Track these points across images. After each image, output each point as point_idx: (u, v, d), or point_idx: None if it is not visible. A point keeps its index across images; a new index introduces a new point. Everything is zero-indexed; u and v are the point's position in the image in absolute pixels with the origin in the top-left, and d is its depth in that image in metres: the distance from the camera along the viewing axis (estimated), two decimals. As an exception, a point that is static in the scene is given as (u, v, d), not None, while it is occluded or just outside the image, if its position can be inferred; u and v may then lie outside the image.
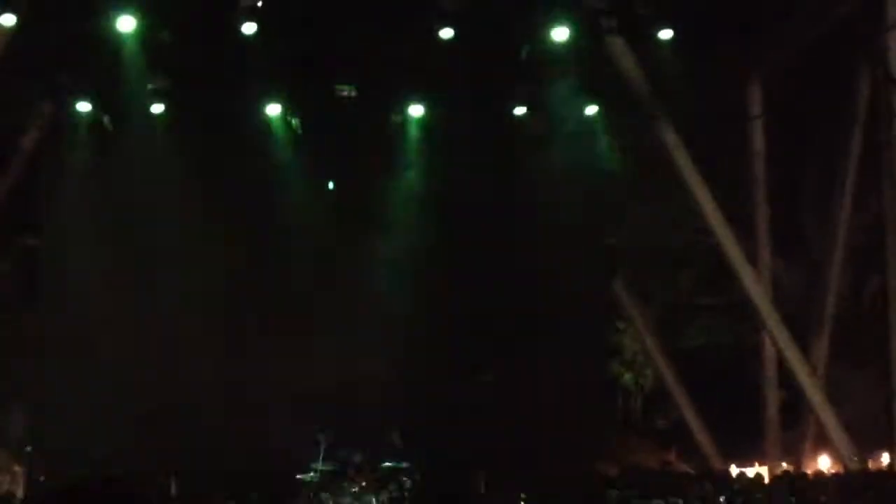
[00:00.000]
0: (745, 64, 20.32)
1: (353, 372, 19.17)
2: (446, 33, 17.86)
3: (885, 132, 17.23)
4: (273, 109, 19.70)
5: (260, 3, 17.35)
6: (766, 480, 18.28)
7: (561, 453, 18.71)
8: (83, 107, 19.34)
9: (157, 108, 19.29)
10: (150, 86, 18.85)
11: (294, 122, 19.86)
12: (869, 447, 18.51)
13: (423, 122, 20.17)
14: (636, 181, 21.22)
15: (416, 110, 19.99)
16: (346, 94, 19.34)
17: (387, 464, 16.85)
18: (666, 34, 18.02)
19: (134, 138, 19.49)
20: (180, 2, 17.57)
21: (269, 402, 18.90)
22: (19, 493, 23.55)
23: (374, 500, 16.20)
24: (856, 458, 17.89)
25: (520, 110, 19.99)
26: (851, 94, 18.42)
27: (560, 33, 18.18)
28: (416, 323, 19.66)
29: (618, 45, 18.52)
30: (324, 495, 16.34)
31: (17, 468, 24.54)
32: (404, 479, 16.65)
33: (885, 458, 19.02)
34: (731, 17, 18.19)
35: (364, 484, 16.46)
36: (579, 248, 20.65)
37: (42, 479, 18.90)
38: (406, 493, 16.46)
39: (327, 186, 20.73)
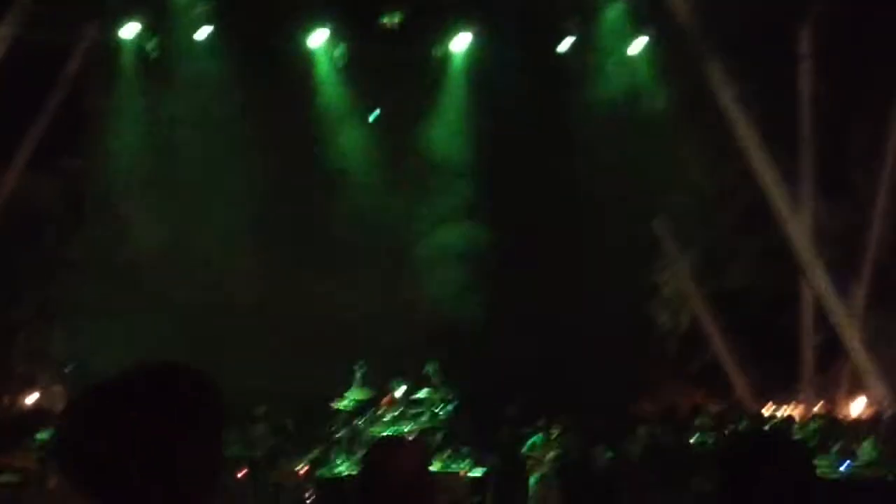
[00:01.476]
0: (797, 5, 20.05)
1: (393, 304, 19.30)
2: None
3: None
4: (317, 39, 19.62)
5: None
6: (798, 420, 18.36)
7: (596, 387, 18.74)
8: (129, 30, 19.32)
9: (203, 34, 19.24)
10: (196, 10, 18.81)
11: (338, 52, 19.78)
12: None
13: (469, 55, 20.07)
14: (681, 119, 21.01)
15: (462, 41, 19.86)
16: (390, 23, 19.20)
17: (421, 394, 16.89)
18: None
19: (179, 63, 19.48)
20: None
21: (309, 331, 19.02)
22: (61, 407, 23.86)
23: (408, 427, 16.29)
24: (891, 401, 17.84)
25: (567, 43, 19.86)
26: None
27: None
28: (458, 258, 19.75)
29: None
30: (359, 423, 16.44)
31: (57, 387, 24.86)
32: (439, 408, 16.76)
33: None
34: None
35: (398, 412, 16.57)
36: (622, 186, 20.55)
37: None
38: (441, 423, 16.56)
39: (369, 119, 20.73)
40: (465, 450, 16.07)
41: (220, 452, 2.58)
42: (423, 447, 3.91)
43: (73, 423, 2.60)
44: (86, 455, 2.52)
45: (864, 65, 19.93)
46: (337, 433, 16.40)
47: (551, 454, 15.89)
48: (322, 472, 15.74)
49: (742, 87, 18.49)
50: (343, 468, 15.79)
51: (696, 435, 16.23)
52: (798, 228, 19.14)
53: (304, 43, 19.62)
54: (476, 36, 19.61)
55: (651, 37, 19.72)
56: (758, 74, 18.79)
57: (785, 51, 20.11)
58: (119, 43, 19.45)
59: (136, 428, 2.51)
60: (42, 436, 16.12)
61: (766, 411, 19.52)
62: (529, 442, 16.10)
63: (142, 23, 19.09)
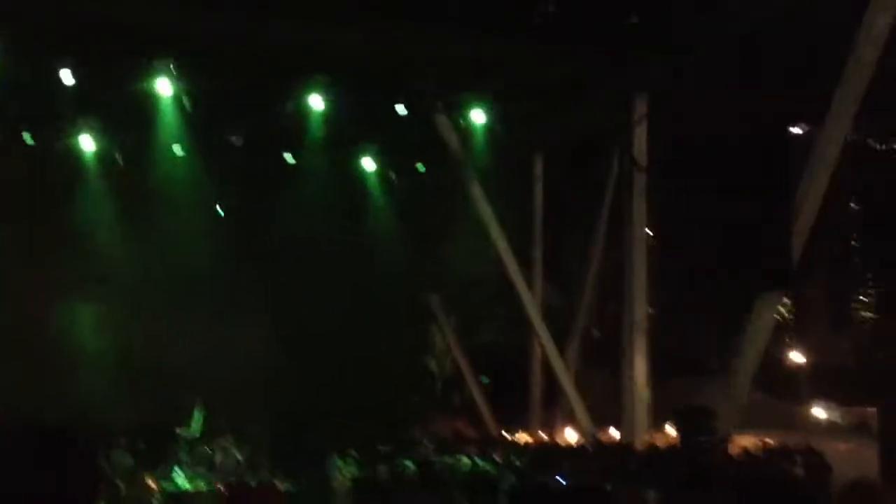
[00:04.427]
0: (532, 143, 20.58)
1: (228, 359, 18.58)
2: (317, 103, 17.51)
3: (626, 200, 17.56)
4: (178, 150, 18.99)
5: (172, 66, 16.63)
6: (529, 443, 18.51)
7: (381, 418, 18.54)
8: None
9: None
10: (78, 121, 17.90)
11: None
12: (602, 425, 18.78)
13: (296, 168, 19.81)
14: (450, 223, 21.24)
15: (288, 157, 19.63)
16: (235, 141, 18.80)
17: (248, 426, 16.37)
18: (478, 117, 18.14)
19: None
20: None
21: (161, 370, 18.17)
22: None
23: (238, 452, 15.72)
24: (593, 432, 18.12)
25: (367, 161, 19.89)
26: (607, 169, 18.74)
27: (400, 108, 18.06)
28: (287, 324, 19.31)
29: (444, 121, 18.47)
30: (199, 447, 15.81)
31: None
32: (263, 436, 16.27)
33: (613, 432, 19.35)
34: (521, 108, 18.36)
35: (231, 439, 16.00)
36: (407, 269, 20.63)
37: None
38: (264, 448, 16.06)
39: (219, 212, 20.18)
40: (280, 469, 15.58)
41: (93, 486, 2.52)
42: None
43: None
44: None
45: (578, 185, 20.58)
46: (180, 454, 15.68)
47: (350, 471, 15.55)
48: (168, 486, 14.97)
49: (493, 200, 18.77)
50: (185, 484, 15.05)
51: (459, 456, 16.06)
52: (531, 302, 19.45)
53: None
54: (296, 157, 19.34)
55: (428, 164, 19.90)
56: (505, 192, 19.15)
57: (524, 174, 20.62)
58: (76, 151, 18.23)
59: (29, 475, 2.33)
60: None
61: (507, 435, 19.62)
62: (334, 461, 15.73)
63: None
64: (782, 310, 20.64)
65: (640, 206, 17.24)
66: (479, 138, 18.34)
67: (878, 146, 21.86)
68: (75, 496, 2.42)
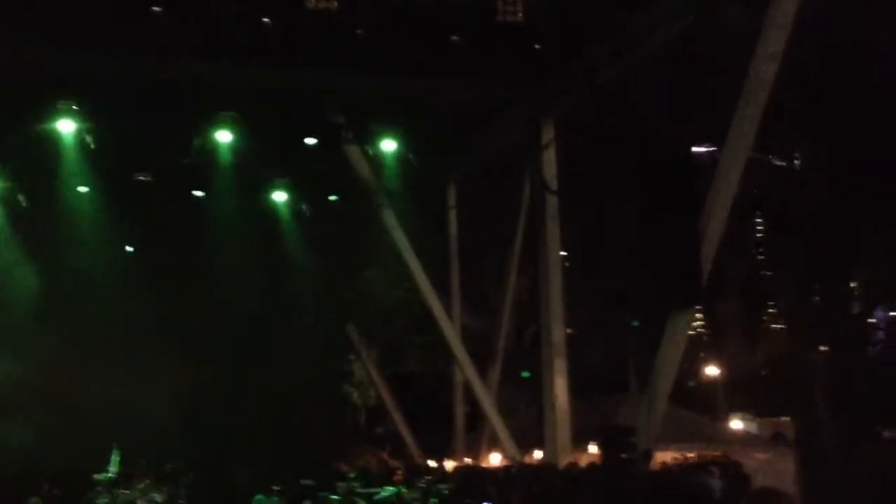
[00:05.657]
0: (444, 170, 20.74)
1: (145, 398, 18.13)
2: (224, 137, 17.39)
3: (539, 224, 17.80)
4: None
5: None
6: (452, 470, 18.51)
7: (305, 452, 18.35)
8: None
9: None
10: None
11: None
12: (527, 447, 18.91)
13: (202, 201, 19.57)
14: (366, 252, 21.23)
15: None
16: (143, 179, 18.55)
17: (168, 465, 16.04)
18: (389, 146, 18.22)
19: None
20: None
21: (76, 415, 17.69)
22: None
23: (157, 494, 15.40)
24: (517, 455, 18.21)
25: (280, 196, 19.76)
26: (519, 193, 18.97)
27: (309, 140, 18.04)
28: (202, 362, 18.97)
29: (354, 151, 18.51)
30: (116, 491, 15.42)
31: None
32: (182, 477, 15.96)
33: (537, 454, 19.48)
34: (431, 136, 18.51)
35: (149, 481, 15.66)
36: (323, 302, 20.54)
37: None
38: (183, 490, 15.76)
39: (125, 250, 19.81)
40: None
41: None
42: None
43: None
44: None
45: (492, 210, 20.79)
46: (98, 499, 15.27)
47: (273, 507, 15.38)
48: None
49: (408, 228, 18.83)
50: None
51: (385, 488, 15.96)
52: (450, 329, 19.54)
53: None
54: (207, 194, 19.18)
55: (342, 194, 19.88)
56: (420, 220, 19.25)
57: (437, 201, 20.75)
58: None
59: None
60: None
61: (432, 463, 19.60)
62: (256, 498, 15.50)
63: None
64: (696, 326, 21.15)
65: (552, 229, 17.48)
66: (391, 167, 18.42)
67: (778, 162, 22.64)
68: None
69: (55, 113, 16.19)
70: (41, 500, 14.82)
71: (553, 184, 17.36)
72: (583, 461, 15.57)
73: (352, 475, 18.16)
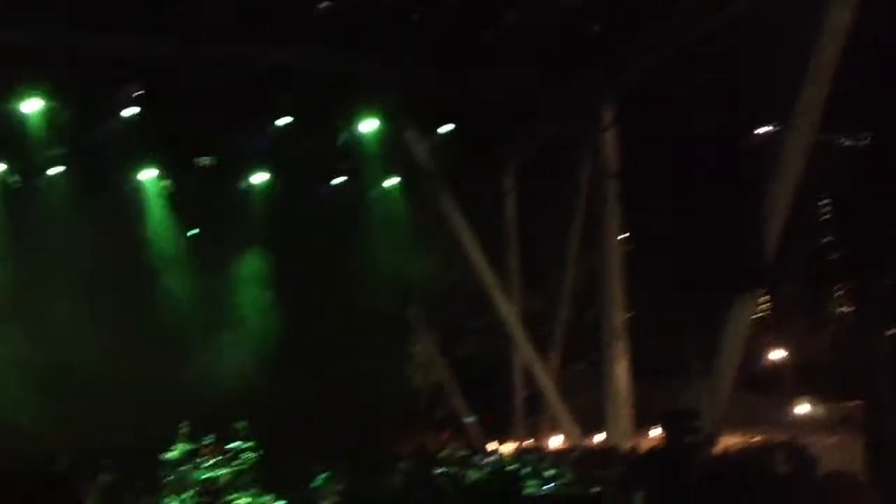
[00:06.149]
0: (502, 153, 20.76)
1: (211, 378, 18.47)
2: (284, 121, 17.69)
3: (599, 207, 17.75)
4: (147, 175, 19.06)
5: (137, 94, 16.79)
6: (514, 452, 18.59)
7: (368, 436, 18.59)
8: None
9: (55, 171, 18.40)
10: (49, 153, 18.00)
11: (165, 184, 19.24)
12: (588, 430, 18.94)
13: (266, 188, 19.88)
14: (426, 237, 21.35)
15: (260, 178, 19.71)
16: (205, 164, 18.89)
17: (233, 445, 16.36)
18: (446, 129, 18.31)
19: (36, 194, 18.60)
20: (77, 88, 16.73)
21: (146, 394, 18.08)
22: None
23: (224, 471, 15.72)
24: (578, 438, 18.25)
25: (339, 179, 19.97)
26: (578, 177, 18.93)
27: (369, 125, 18.23)
28: (267, 342, 19.30)
29: (412, 135, 18.63)
30: (184, 468, 15.78)
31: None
32: (248, 455, 16.27)
33: (599, 437, 19.49)
34: (490, 120, 18.55)
35: (215, 459, 15.97)
36: (385, 285, 20.71)
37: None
38: (250, 467, 16.07)
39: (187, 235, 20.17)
40: (267, 488, 15.65)
41: None
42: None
43: None
44: None
45: (551, 193, 20.74)
46: (167, 477, 15.67)
47: (338, 487, 15.60)
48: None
49: (466, 212, 18.92)
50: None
51: (444, 468, 16.11)
52: (509, 312, 19.60)
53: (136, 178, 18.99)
54: (272, 174, 19.49)
55: (401, 175, 20.01)
56: (478, 204, 19.32)
57: (496, 187, 20.79)
58: None
59: None
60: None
61: (491, 447, 19.69)
62: (321, 477, 15.75)
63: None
64: (761, 309, 20.93)
65: (612, 213, 17.44)
66: (450, 151, 18.50)
67: (845, 142, 22.22)
68: None
69: (127, 99, 16.61)
70: (111, 478, 15.23)
71: (612, 167, 17.31)
72: (644, 445, 15.57)
73: (413, 457, 18.37)
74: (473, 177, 19.15)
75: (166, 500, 15.22)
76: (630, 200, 17.84)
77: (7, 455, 15.42)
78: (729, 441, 14.37)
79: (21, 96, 16.48)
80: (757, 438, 15.49)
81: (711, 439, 12.49)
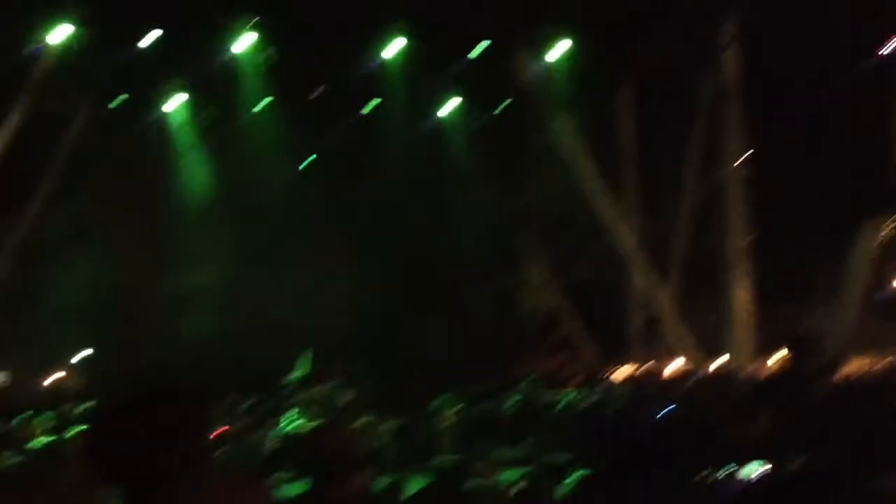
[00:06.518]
0: (619, 72, 20.31)
1: (329, 303, 18.78)
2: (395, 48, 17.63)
3: (720, 127, 17.29)
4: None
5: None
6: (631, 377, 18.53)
7: (482, 360, 18.75)
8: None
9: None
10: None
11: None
12: (707, 355, 18.71)
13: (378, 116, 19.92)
14: (538, 160, 21.16)
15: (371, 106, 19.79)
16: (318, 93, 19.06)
17: (353, 367, 16.75)
18: (562, 47, 17.97)
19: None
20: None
21: (266, 319, 18.59)
22: (78, 384, 23.14)
23: (343, 394, 16.12)
24: (697, 363, 18.03)
25: (453, 103, 19.85)
26: (699, 97, 18.43)
27: (479, 47, 18.04)
28: (382, 270, 19.56)
29: (524, 56, 18.36)
30: (306, 390, 16.23)
31: (76, 368, 24.06)
32: (366, 378, 16.64)
33: (718, 362, 19.26)
34: (605, 38, 18.13)
35: (336, 382, 16.37)
36: (496, 210, 20.70)
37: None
38: (368, 390, 16.44)
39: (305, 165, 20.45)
40: (385, 410, 15.97)
41: (204, 440, 2.55)
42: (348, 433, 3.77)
43: (100, 432, 2.59)
44: (111, 454, 2.51)
45: (669, 113, 20.25)
46: (290, 398, 16.15)
47: (455, 409, 15.83)
48: (277, 431, 15.47)
49: (580, 134, 18.61)
50: (296, 425, 15.54)
51: (562, 393, 16.16)
52: (626, 236, 19.37)
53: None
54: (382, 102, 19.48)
55: (513, 98, 19.78)
56: (591, 127, 18.99)
57: (609, 105, 20.39)
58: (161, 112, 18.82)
59: (147, 434, 2.52)
60: (64, 409, 15.60)
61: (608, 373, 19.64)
62: (438, 399, 15.99)
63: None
64: (889, 232, 20.14)
65: (734, 133, 16.96)
66: (563, 71, 18.17)
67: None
68: (191, 453, 2.57)
69: (234, 33, 16.79)
70: (235, 399, 15.81)
71: (734, 88, 16.77)
72: (766, 370, 15.29)
73: (529, 379, 18.50)
74: (588, 98, 18.79)
75: (288, 420, 15.70)
76: (752, 121, 17.29)
77: (138, 378, 16.21)
78: (855, 365, 13.99)
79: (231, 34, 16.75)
80: (883, 363, 15.05)
81: (837, 363, 12.16)
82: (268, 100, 18.94)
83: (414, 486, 6.09)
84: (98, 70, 17.42)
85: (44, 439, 14.15)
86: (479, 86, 19.11)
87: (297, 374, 16.44)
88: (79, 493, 2.48)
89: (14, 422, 14.27)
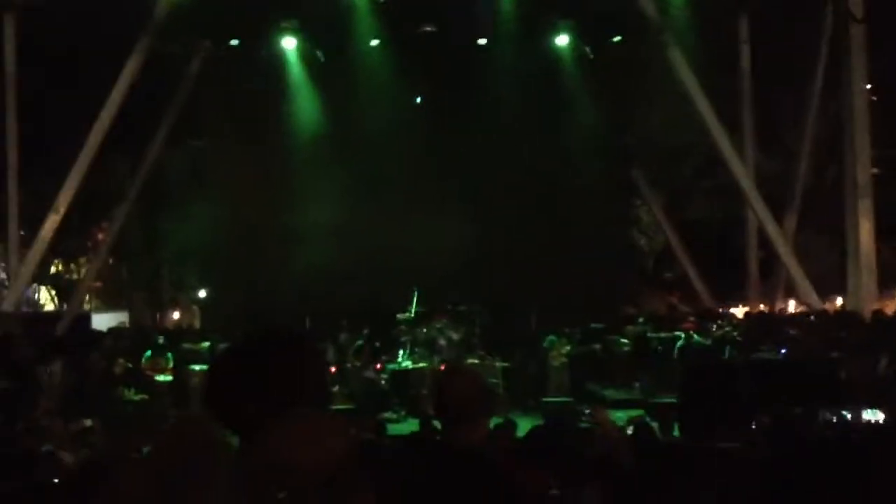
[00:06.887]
0: (735, 2, 19.64)
1: (439, 242, 18.71)
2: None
3: (843, 56, 16.53)
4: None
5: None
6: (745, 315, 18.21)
7: (594, 298, 18.62)
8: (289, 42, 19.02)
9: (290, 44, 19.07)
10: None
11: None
12: (826, 294, 18.20)
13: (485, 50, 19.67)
14: (652, 94, 20.67)
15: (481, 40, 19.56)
16: (428, 30, 18.94)
17: (462, 306, 16.86)
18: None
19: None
20: None
21: (379, 259, 18.71)
22: (196, 323, 24.02)
23: (453, 333, 16.29)
24: (816, 303, 17.59)
25: (563, 39, 19.44)
26: (820, 24, 17.66)
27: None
28: (491, 208, 19.46)
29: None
30: (417, 329, 16.46)
31: (194, 307, 24.97)
32: (476, 317, 16.74)
33: (838, 301, 18.75)
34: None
35: (446, 321, 16.53)
36: (608, 146, 20.32)
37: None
38: (477, 329, 16.58)
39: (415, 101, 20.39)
40: (495, 348, 16.13)
41: (317, 384, 2.66)
42: (477, 375, 3.77)
43: (216, 375, 2.70)
44: (227, 397, 2.61)
45: (788, 51, 19.54)
46: (401, 337, 16.40)
47: (565, 349, 15.87)
48: (392, 366, 15.78)
49: (696, 66, 18.05)
50: (407, 363, 15.82)
51: (676, 333, 15.94)
52: (742, 172, 18.82)
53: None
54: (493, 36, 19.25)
55: (625, 33, 19.29)
56: (707, 59, 18.40)
57: (728, 39, 19.72)
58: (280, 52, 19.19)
59: (261, 379, 2.61)
60: (185, 345, 16.18)
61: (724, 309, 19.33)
62: (548, 339, 16.04)
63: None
64: None
65: (858, 61, 16.21)
66: (679, 3, 17.62)
67: None
68: (309, 389, 2.64)
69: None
70: (349, 336, 16.17)
71: (859, 11, 16.00)
72: (889, 309, 14.84)
73: (641, 319, 18.34)
74: (705, 28, 18.18)
75: (400, 358, 16.00)
76: (877, 46, 16.50)
77: (254, 318, 16.70)
78: None
79: None
80: None
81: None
82: (379, 38, 18.97)
83: (525, 426, 6.15)
84: (213, 11, 17.77)
85: (164, 378, 14.84)
86: (595, 17, 18.68)
87: (408, 312, 16.67)
88: (198, 430, 2.60)
89: (142, 359, 14.96)
